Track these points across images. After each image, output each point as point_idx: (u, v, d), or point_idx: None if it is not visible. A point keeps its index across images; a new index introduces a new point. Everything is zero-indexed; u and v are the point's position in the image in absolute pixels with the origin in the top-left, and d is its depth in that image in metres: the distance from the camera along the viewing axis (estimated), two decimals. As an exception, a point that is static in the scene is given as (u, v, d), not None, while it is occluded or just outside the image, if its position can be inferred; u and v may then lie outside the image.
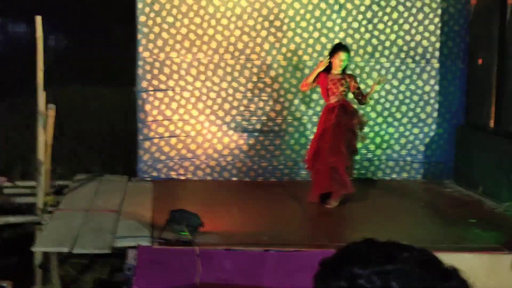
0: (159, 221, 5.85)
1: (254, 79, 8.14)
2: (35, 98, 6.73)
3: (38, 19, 6.55)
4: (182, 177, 8.13)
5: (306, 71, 8.09)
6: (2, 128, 11.33)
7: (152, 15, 7.83)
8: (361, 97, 6.99)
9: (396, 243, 1.30)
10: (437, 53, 8.33)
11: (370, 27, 8.19)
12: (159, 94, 7.98)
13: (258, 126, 8.20)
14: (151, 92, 7.96)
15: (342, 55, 6.87)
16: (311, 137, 8.12)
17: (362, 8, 8.15)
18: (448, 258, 1.33)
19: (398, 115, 8.36)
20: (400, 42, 8.25)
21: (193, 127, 8.10)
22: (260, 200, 7.30)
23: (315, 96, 8.18)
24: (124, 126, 10.80)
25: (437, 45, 8.32)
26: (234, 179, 8.20)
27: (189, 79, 8.03)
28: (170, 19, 7.87)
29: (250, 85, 8.15)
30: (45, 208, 6.58)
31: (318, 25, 8.12)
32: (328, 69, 6.92)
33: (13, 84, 13.63)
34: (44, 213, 6.49)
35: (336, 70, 6.91)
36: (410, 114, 8.37)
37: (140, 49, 7.88)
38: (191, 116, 8.08)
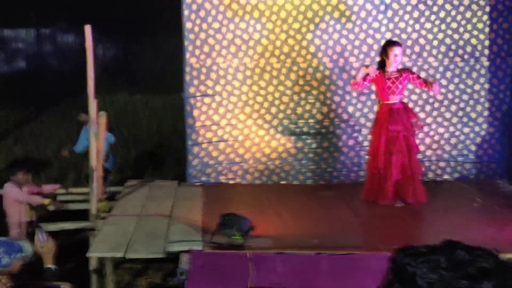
0: (210, 225, 5.88)
1: (301, 82, 8.14)
2: (86, 107, 6.86)
3: (88, 29, 6.67)
4: (231, 182, 8.17)
5: (353, 72, 8.05)
6: (55, 136, 11.60)
7: (198, 21, 7.90)
8: (426, 82, 6.85)
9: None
10: (486, 51, 8.19)
11: (417, 26, 8.10)
12: (207, 100, 8.04)
13: (305, 129, 8.19)
14: (199, 98, 8.03)
15: (396, 50, 6.78)
16: (360, 138, 8.11)
17: (409, 8, 8.07)
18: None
19: (448, 115, 8.24)
20: (448, 40, 8.14)
21: (240, 131, 8.13)
22: (310, 203, 7.28)
23: (362, 98, 8.13)
24: (173, 132, 10.95)
25: (486, 43, 8.18)
26: (283, 182, 8.20)
27: (235, 84, 8.07)
28: (216, 25, 7.93)
29: (296, 88, 8.14)
30: (99, 214, 6.70)
31: (364, 26, 8.07)
32: (381, 66, 6.84)
33: (65, 93, 13.93)
34: (98, 219, 6.60)
35: (391, 67, 6.81)
36: (460, 113, 8.24)
37: (187, 55, 7.95)
38: (239, 121, 8.12)
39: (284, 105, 8.15)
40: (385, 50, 6.85)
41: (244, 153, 8.16)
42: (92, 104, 6.69)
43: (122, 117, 12.10)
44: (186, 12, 7.87)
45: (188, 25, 7.89)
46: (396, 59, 6.78)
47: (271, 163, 8.19)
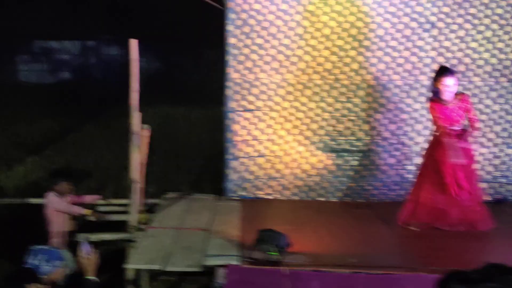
0: (248, 240, 5.89)
1: (343, 99, 8.10)
2: (127, 119, 6.92)
3: (134, 43, 6.75)
4: (270, 197, 8.16)
5: (396, 90, 7.99)
6: (96, 147, 11.75)
7: (242, 37, 7.93)
8: (473, 123, 6.72)
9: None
10: (533, 72, 8.05)
11: (462, 45, 8.00)
12: (247, 114, 8.06)
13: (346, 146, 8.14)
14: (240, 112, 8.05)
15: (447, 81, 6.54)
16: (401, 157, 8.01)
17: (454, 27, 7.97)
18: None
19: (492, 136, 8.10)
20: (494, 60, 8.01)
21: (280, 147, 8.13)
22: (347, 221, 7.22)
23: (403, 116, 8.05)
24: (213, 146, 10.98)
25: (533, 63, 8.04)
26: (321, 199, 8.16)
27: (277, 100, 8.07)
28: (259, 41, 7.95)
29: (338, 105, 8.11)
30: (138, 226, 6.74)
31: (409, 44, 8.00)
32: (436, 92, 6.68)
33: (106, 104, 14.13)
34: (137, 231, 6.64)
35: (445, 96, 6.60)
36: (505, 134, 8.10)
37: (230, 70, 7.98)
38: (279, 136, 8.11)
39: (325, 121, 8.12)
40: (436, 77, 6.64)
41: (283, 168, 8.15)
42: (136, 116, 6.75)
43: (163, 129, 12.19)
44: (230, 28, 7.90)
45: (232, 40, 7.93)
46: (447, 89, 6.57)
47: (310, 179, 8.16)
